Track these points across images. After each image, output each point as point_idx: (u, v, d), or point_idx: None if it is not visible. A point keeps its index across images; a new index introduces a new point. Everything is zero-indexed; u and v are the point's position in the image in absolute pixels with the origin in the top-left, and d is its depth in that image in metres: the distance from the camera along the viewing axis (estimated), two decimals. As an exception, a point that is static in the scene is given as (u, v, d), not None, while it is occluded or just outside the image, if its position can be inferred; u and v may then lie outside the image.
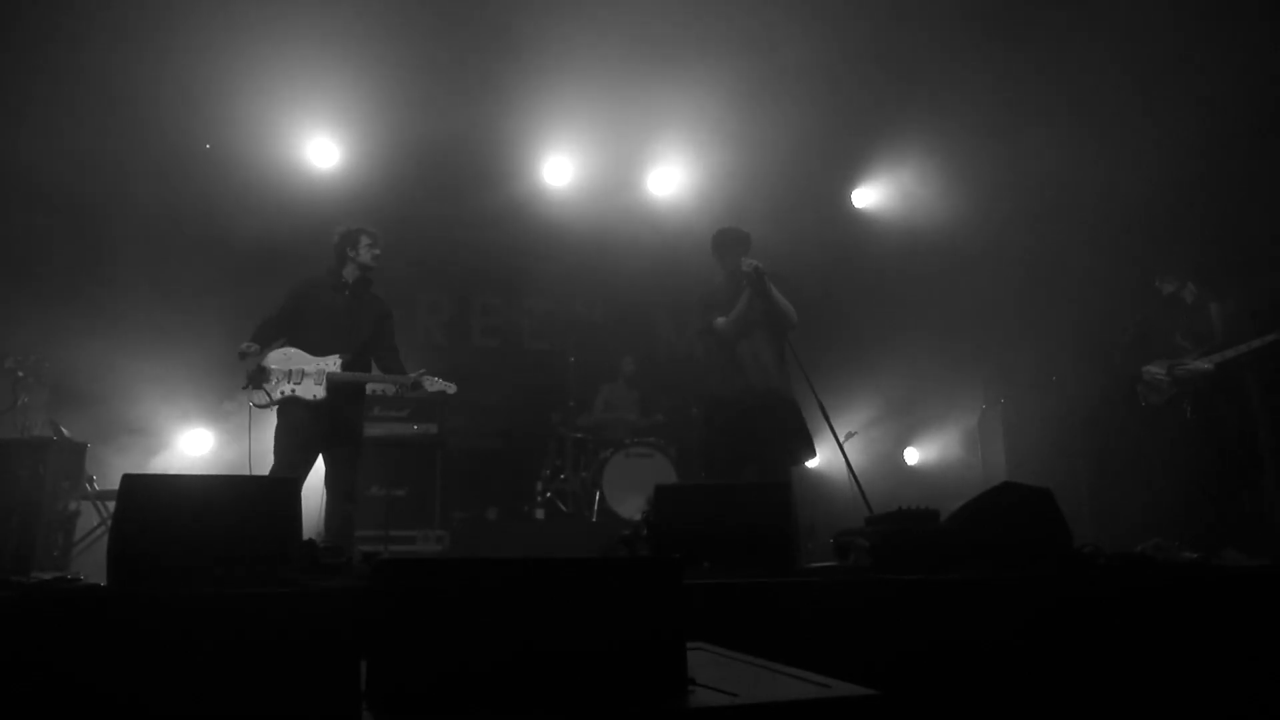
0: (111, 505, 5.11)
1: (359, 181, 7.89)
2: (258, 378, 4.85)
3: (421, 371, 5.12)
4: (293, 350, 4.96)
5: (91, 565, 4.97)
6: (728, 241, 5.27)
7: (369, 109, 7.54)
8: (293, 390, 4.82)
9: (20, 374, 5.85)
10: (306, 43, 6.65)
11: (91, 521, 5.72)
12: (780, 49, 6.90)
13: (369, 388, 5.27)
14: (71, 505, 5.38)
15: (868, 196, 9.29)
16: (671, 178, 8.78)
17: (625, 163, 8.62)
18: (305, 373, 4.86)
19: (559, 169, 8.52)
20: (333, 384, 4.86)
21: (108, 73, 6.59)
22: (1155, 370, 6.09)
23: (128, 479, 2.76)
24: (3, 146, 6.41)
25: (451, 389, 5.23)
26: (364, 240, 5.13)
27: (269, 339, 4.98)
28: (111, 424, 6.50)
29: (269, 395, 4.83)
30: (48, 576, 2.89)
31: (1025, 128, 7.28)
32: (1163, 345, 6.13)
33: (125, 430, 6.60)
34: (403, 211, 7.95)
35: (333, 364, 4.90)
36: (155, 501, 2.76)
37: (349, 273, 5.13)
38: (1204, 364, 5.89)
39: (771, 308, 5.07)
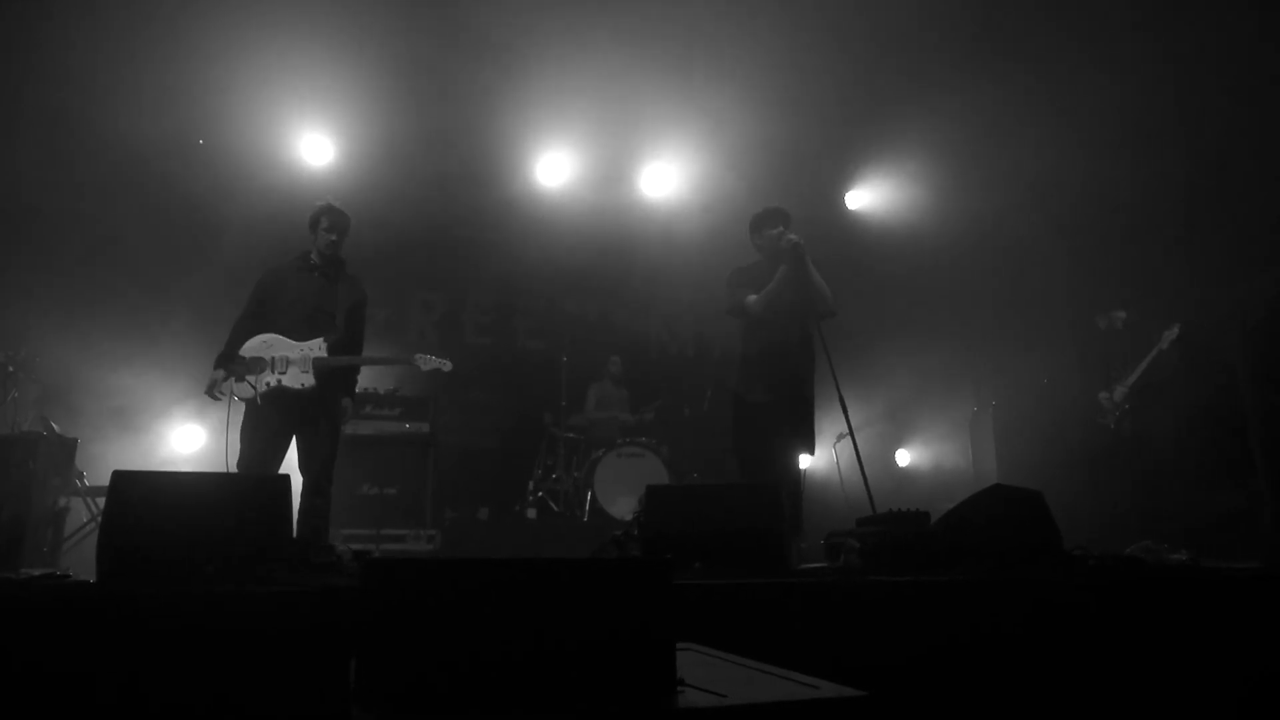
0: (101, 501, 5.08)
1: (353, 179, 7.86)
2: (239, 369, 4.57)
3: (417, 355, 4.97)
4: (272, 336, 4.65)
5: (81, 562, 4.94)
6: (765, 218, 4.97)
7: (363, 106, 7.52)
8: (279, 380, 4.54)
9: (11, 369, 5.83)
10: (301, 39, 6.63)
11: (81, 518, 5.70)
12: (775, 51, 6.91)
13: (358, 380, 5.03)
14: (61, 501, 5.35)
15: (861, 198, 9.32)
16: (665, 177, 8.79)
17: (619, 162, 8.63)
18: (290, 360, 4.58)
19: (553, 168, 8.53)
20: (320, 369, 4.59)
21: (100, 67, 6.57)
22: (1105, 395, 6.82)
23: (118, 475, 2.76)
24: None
25: (447, 366, 5.02)
26: (323, 223, 4.84)
27: (242, 340, 4.70)
28: (102, 420, 6.48)
29: (253, 387, 4.52)
30: (37, 573, 2.87)
31: (1019, 131, 7.31)
32: (1111, 371, 6.85)
33: (116, 426, 6.58)
34: (397, 209, 7.95)
35: (318, 348, 4.63)
36: (145, 498, 2.75)
37: (316, 254, 4.86)
38: (1123, 388, 6.70)
39: (809, 289, 4.74)
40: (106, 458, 6.09)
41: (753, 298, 4.84)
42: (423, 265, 8.57)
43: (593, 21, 6.72)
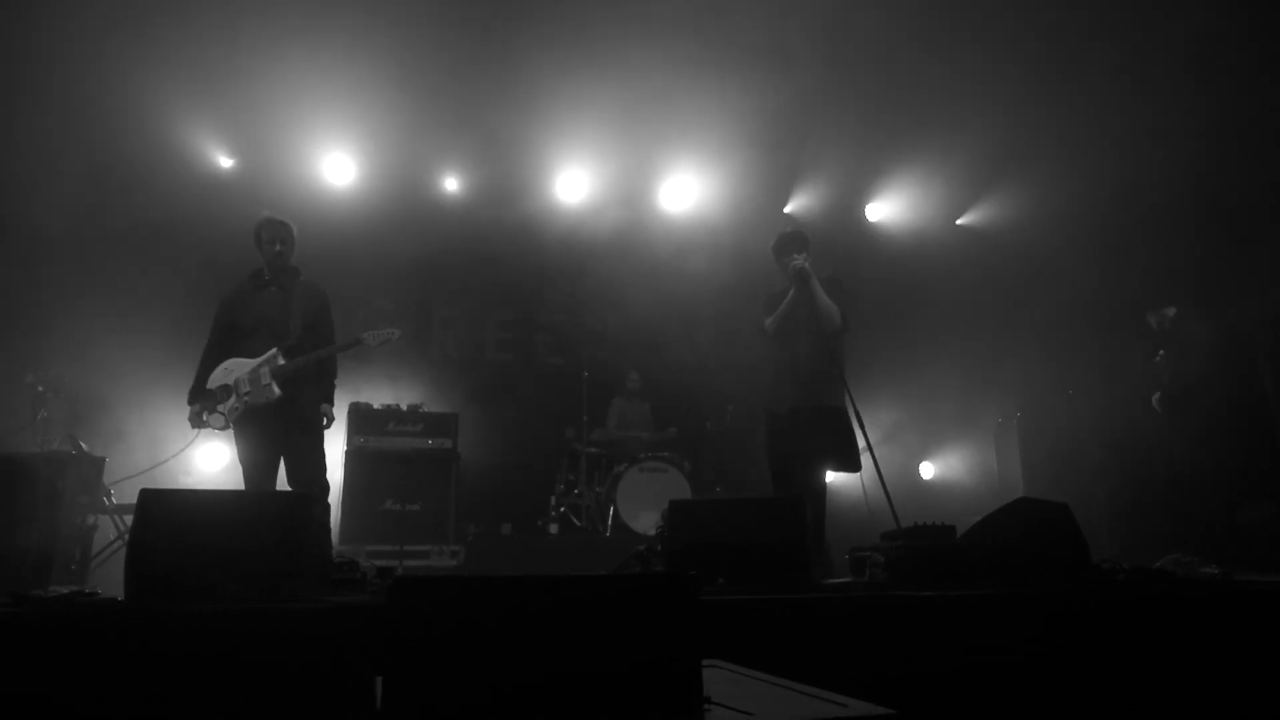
0: (129, 520, 5.11)
1: (374, 198, 7.95)
2: (209, 402, 4.66)
3: (363, 333, 4.94)
4: (231, 361, 4.71)
5: (108, 579, 4.97)
6: (783, 243, 5.16)
7: (384, 126, 7.60)
8: (245, 403, 4.60)
9: (40, 389, 5.90)
10: (323, 61, 6.72)
11: (108, 535, 5.74)
12: (794, 66, 6.92)
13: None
14: (89, 519, 5.40)
15: (881, 210, 9.29)
16: (684, 192, 8.81)
17: (638, 178, 8.66)
18: (251, 379, 4.62)
19: (573, 184, 8.57)
20: (282, 377, 4.61)
21: (129, 93, 6.68)
22: (1155, 399, 6.66)
23: (145, 493, 2.78)
24: (23, 162, 6.50)
25: (395, 334, 5.00)
26: (264, 236, 4.91)
27: (209, 370, 4.78)
28: (129, 438, 6.54)
29: (223, 415, 4.61)
30: (65, 591, 2.90)
31: (1036, 143, 7.28)
32: (1158, 372, 6.70)
33: (143, 444, 6.64)
34: (417, 227, 8.02)
35: (275, 358, 4.65)
36: (172, 516, 2.77)
37: (266, 269, 4.93)
38: (1156, 397, 6.60)
39: (816, 309, 4.90)
40: (134, 476, 6.14)
41: (769, 321, 5.07)
42: (443, 282, 8.63)
43: (612, 36, 6.76)
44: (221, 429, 4.67)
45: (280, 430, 4.67)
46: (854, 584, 3.40)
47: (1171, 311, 6.60)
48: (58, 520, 4.96)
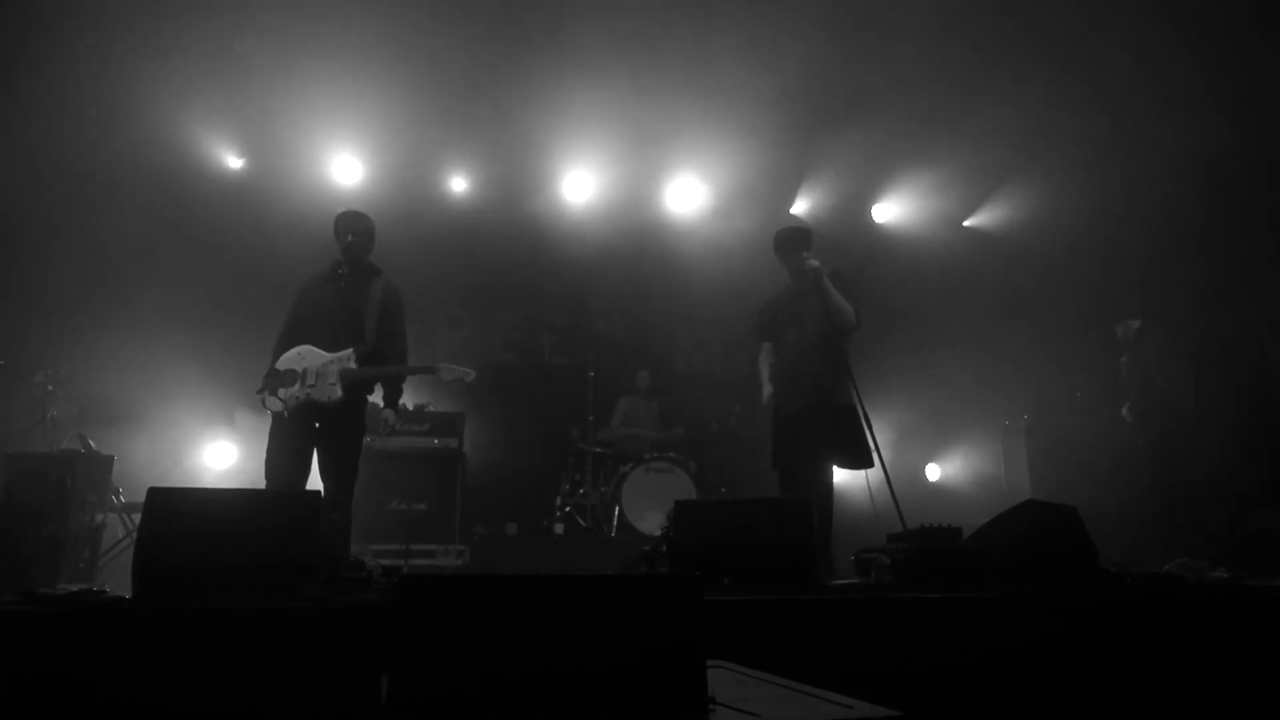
0: (137, 518, 5.13)
1: (382, 198, 7.95)
2: (273, 382, 4.53)
3: (440, 363, 4.85)
4: (305, 348, 4.57)
5: (116, 577, 5.00)
6: (788, 240, 5.02)
7: (392, 127, 7.62)
8: (308, 394, 4.45)
9: (50, 388, 5.92)
10: (332, 62, 6.74)
11: (117, 534, 5.77)
12: (800, 67, 6.91)
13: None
14: (98, 518, 5.43)
15: (888, 211, 9.27)
16: (691, 193, 8.81)
17: (645, 178, 8.66)
18: (320, 372, 4.49)
19: (579, 185, 8.57)
20: (350, 381, 4.50)
21: (134, 93, 6.71)
22: (1124, 409, 6.86)
23: (153, 492, 2.80)
24: (32, 161, 6.54)
25: (470, 375, 4.84)
26: (339, 227, 4.84)
27: (280, 355, 4.66)
28: (138, 437, 6.57)
29: (283, 401, 4.47)
30: (74, 589, 2.92)
31: (1045, 147, 7.26)
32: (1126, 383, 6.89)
33: (152, 443, 6.67)
34: (424, 227, 8.04)
35: (348, 359, 4.53)
36: (180, 514, 2.79)
37: (343, 261, 4.82)
38: (1126, 407, 6.79)
39: (829, 309, 4.82)
40: (142, 475, 6.17)
41: (765, 352, 5.12)
42: (450, 281, 8.63)
43: (621, 41, 6.76)
44: (278, 412, 4.50)
45: (321, 433, 4.55)
46: (860, 585, 3.40)
47: (1136, 323, 6.77)
48: (67, 519, 4.99)
